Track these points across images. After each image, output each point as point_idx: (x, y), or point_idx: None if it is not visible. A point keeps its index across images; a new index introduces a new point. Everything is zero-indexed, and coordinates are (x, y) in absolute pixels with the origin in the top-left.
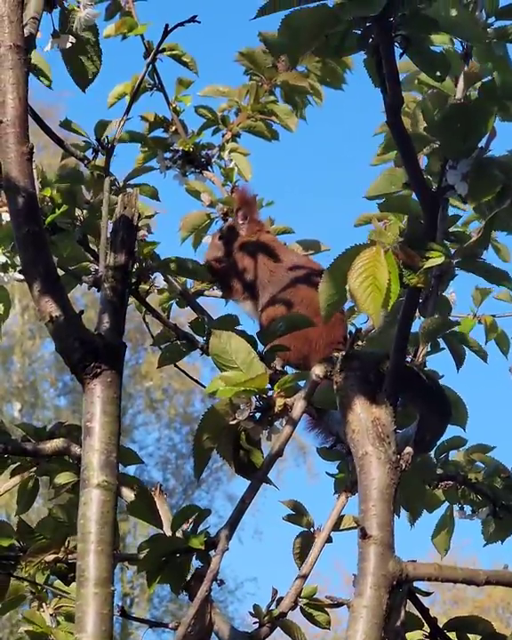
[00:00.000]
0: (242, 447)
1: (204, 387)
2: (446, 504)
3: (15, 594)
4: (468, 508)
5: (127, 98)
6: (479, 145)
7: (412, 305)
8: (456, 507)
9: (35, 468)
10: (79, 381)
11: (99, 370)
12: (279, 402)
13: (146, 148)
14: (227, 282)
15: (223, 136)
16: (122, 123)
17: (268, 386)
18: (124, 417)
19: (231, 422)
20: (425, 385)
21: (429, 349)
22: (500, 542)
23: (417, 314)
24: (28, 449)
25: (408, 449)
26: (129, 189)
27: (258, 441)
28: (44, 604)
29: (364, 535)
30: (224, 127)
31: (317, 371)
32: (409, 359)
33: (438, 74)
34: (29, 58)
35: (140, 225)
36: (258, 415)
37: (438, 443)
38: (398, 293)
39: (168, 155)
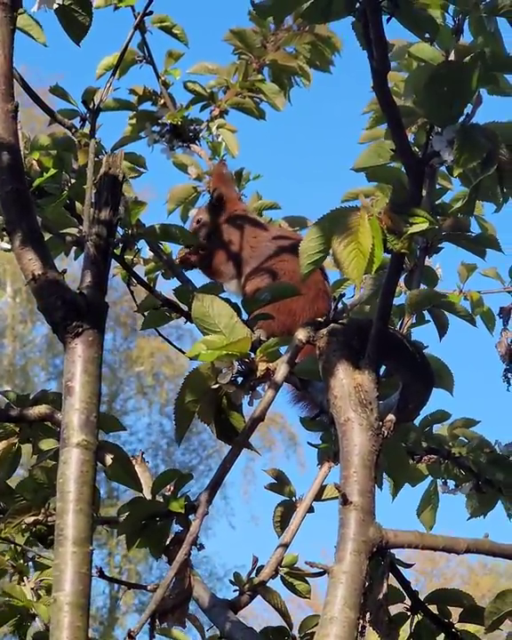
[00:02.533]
0: (223, 411)
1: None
2: (429, 479)
3: None
4: (451, 483)
5: (111, 77)
6: (465, 112)
7: (395, 271)
8: (439, 481)
9: (18, 435)
10: (61, 340)
11: (80, 329)
12: (261, 366)
13: (134, 121)
14: (208, 264)
15: (211, 112)
16: (110, 84)
17: (251, 355)
18: (114, 402)
19: (213, 386)
20: (409, 353)
21: (414, 321)
22: (482, 517)
23: (403, 286)
24: (12, 415)
25: (391, 416)
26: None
27: (239, 405)
28: (25, 578)
29: (344, 501)
30: (212, 103)
31: (300, 335)
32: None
33: (426, 35)
34: (15, 16)
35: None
36: (240, 379)
37: (423, 415)
38: (382, 258)
39: (156, 128)
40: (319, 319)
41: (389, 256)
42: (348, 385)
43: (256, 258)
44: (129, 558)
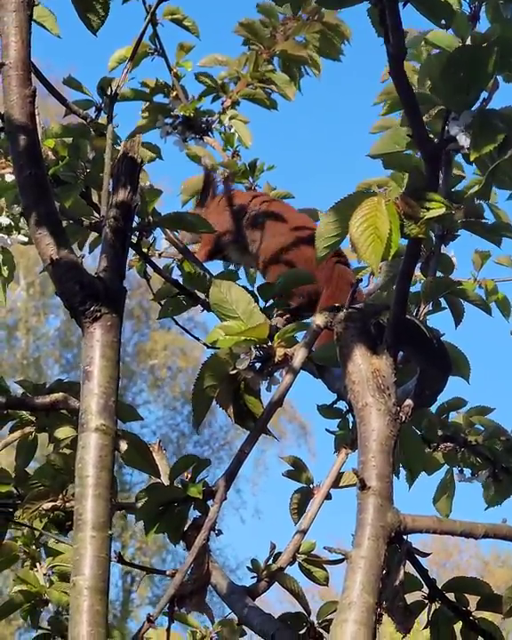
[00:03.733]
0: (241, 397)
1: (199, 339)
2: (446, 467)
3: (8, 554)
4: (467, 472)
5: (128, 63)
6: (482, 97)
7: (412, 256)
8: (455, 469)
9: (34, 424)
10: (78, 325)
11: (99, 313)
12: (279, 352)
13: (146, 114)
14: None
15: (223, 103)
16: (126, 72)
17: (269, 341)
18: (126, 395)
19: (231, 372)
20: (426, 338)
21: (431, 308)
22: (498, 505)
23: (420, 274)
24: (26, 402)
25: (408, 401)
26: None
27: (257, 391)
28: (37, 564)
29: (362, 486)
30: (224, 94)
31: (318, 320)
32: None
33: (443, 21)
34: (33, 2)
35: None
36: (258, 365)
37: (439, 402)
38: (399, 243)
39: (169, 120)
40: (337, 305)
41: (406, 242)
42: (366, 370)
43: (275, 247)
44: (143, 551)
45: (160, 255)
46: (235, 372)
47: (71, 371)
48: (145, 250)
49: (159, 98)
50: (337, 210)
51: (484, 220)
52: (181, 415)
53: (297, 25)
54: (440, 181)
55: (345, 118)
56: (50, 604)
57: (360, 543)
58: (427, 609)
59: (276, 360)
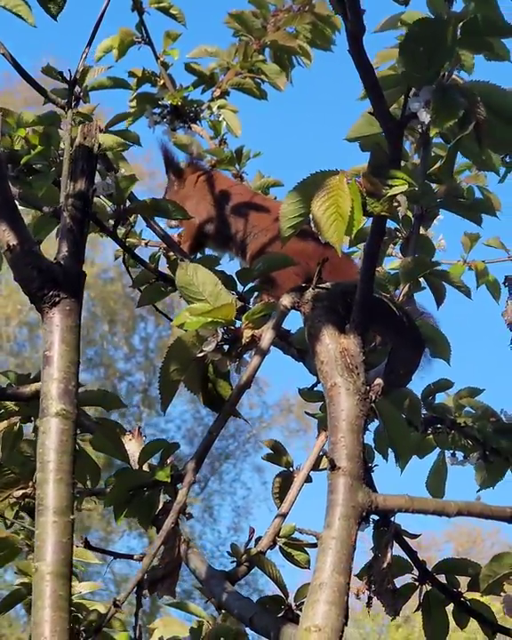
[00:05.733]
0: (210, 380)
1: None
2: (438, 450)
3: (10, 547)
4: (459, 455)
5: (114, 52)
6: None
7: (377, 234)
8: (447, 452)
9: (18, 414)
10: (38, 311)
11: (57, 298)
12: (247, 333)
13: (134, 103)
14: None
15: (212, 93)
16: (85, 55)
17: (238, 323)
18: (151, 390)
19: (198, 355)
20: (395, 316)
21: (407, 290)
22: (491, 487)
23: (399, 254)
24: (8, 393)
25: (378, 380)
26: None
27: (226, 373)
28: None
29: (332, 467)
30: (213, 84)
31: (285, 301)
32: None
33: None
34: None
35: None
36: (225, 347)
37: (426, 384)
38: (362, 221)
39: (157, 110)
40: (304, 285)
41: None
42: (334, 350)
43: (262, 240)
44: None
45: (146, 244)
46: (202, 354)
47: (93, 368)
48: (132, 239)
49: (146, 88)
50: (300, 189)
51: (462, 199)
52: (206, 408)
53: (288, 16)
54: (418, 161)
55: (336, 107)
56: None
57: (331, 523)
58: (418, 591)
59: (243, 341)
